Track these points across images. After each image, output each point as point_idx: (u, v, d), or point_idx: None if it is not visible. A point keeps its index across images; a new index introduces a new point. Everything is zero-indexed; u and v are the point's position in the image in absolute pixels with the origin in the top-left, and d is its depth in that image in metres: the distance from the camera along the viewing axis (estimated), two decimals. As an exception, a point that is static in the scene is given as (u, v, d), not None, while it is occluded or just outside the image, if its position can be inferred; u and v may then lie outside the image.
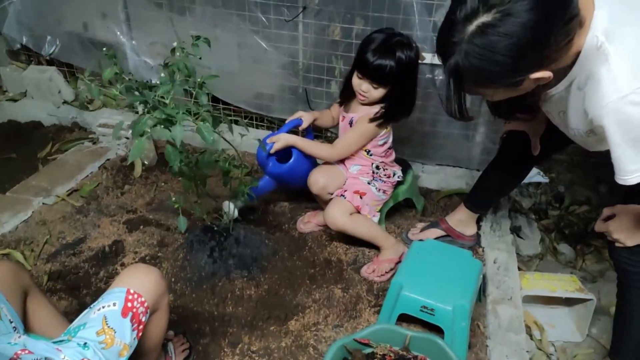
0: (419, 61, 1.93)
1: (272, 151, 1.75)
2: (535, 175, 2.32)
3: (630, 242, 1.24)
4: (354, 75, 1.68)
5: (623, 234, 1.24)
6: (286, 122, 1.83)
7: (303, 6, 2.04)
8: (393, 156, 1.88)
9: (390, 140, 1.83)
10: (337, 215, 1.71)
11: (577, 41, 0.93)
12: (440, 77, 2.02)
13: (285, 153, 1.78)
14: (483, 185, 1.79)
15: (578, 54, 0.96)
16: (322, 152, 1.81)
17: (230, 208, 1.74)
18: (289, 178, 1.83)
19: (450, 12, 0.91)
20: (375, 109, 1.71)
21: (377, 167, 1.84)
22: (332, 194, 1.81)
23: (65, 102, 2.68)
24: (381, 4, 1.91)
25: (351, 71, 1.70)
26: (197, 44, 1.41)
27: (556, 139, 1.28)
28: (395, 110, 1.71)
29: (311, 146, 1.79)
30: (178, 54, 1.38)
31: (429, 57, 1.95)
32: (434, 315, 1.47)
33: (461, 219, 1.87)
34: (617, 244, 1.27)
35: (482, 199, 1.84)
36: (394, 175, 1.86)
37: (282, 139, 1.75)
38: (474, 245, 1.90)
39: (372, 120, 1.71)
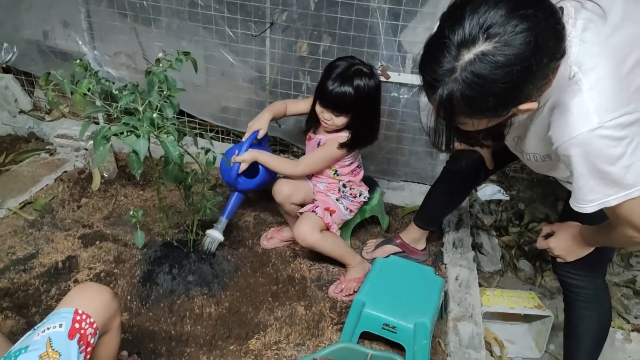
0: (385, 81, 1.98)
1: (240, 172, 1.74)
2: (496, 193, 2.38)
3: (570, 258, 1.29)
4: (317, 104, 1.69)
5: (563, 251, 1.29)
6: (244, 139, 1.79)
7: (270, 22, 2.04)
8: (361, 175, 1.89)
9: (358, 159, 1.84)
10: (308, 232, 1.69)
11: None
12: (406, 96, 2.05)
13: (251, 165, 1.77)
14: (431, 203, 1.82)
15: None
16: (285, 168, 1.79)
17: (214, 235, 1.74)
18: (259, 188, 1.84)
19: (441, 34, 0.84)
20: (343, 135, 1.72)
21: (344, 186, 1.84)
22: (295, 204, 1.80)
23: (21, 111, 2.58)
24: (348, 23, 1.93)
25: (315, 99, 1.71)
26: (181, 59, 1.40)
27: (508, 154, 1.31)
28: (360, 138, 1.72)
29: (275, 162, 1.78)
30: (161, 65, 1.37)
31: (395, 76, 1.98)
32: (395, 333, 1.46)
33: (414, 237, 1.91)
34: (558, 260, 1.32)
35: (431, 217, 1.87)
36: (359, 195, 1.86)
37: (247, 158, 1.73)
38: (426, 259, 1.95)
39: (340, 146, 1.72)
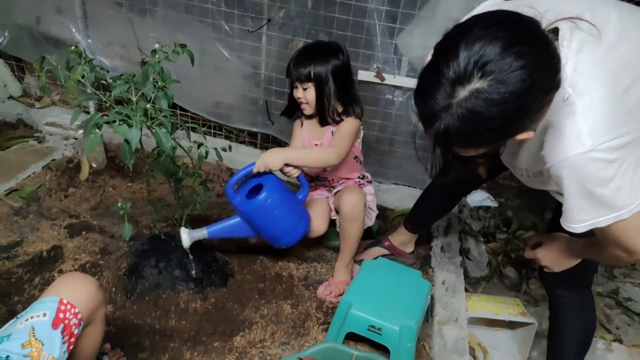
0: (380, 83, 1.98)
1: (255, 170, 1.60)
2: (485, 199, 2.39)
3: (557, 268, 1.30)
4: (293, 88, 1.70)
5: (550, 262, 1.31)
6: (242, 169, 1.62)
7: (267, 18, 2.03)
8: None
9: (361, 134, 1.80)
10: (360, 204, 1.66)
11: None
12: (400, 99, 2.05)
13: (255, 188, 1.61)
14: (422, 208, 1.82)
15: None
16: (320, 159, 1.66)
17: (183, 237, 1.61)
18: (259, 218, 1.58)
19: (436, 68, 0.83)
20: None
21: (362, 177, 1.85)
22: None
23: (11, 97, 2.54)
24: (345, 23, 1.94)
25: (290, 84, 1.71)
26: (178, 51, 1.39)
27: (501, 163, 1.32)
28: (325, 107, 1.65)
29: (307, 155, 1.66)
30: (158, 56, 1.35)
31: (390, 79, 1.99)
32: (381, 334, 1.47)
33: (403, 240, 1.90)
34: (545, 270, 1.33)
35: (421, 221, 1.87)
36: (374, 191, 1.88)
37: (272, 166, 1.57)
38: (414, 262, 1.95)
39: (353, 117, 1.68)
